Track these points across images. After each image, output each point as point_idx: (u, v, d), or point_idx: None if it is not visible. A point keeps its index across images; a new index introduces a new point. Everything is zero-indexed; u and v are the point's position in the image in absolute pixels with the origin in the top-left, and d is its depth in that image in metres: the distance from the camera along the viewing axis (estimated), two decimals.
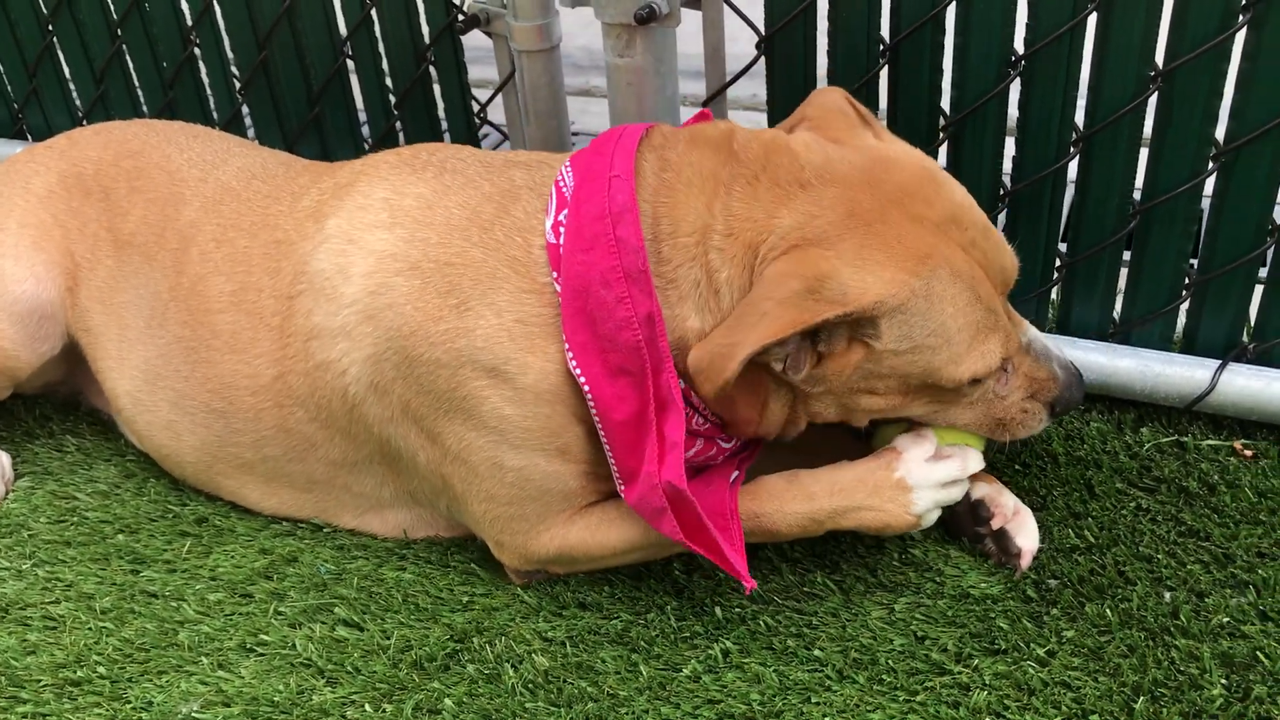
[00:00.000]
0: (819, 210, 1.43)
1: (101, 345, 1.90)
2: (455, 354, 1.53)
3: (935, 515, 1.58)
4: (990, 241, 1.49)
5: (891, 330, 1.42)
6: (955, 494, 1.59)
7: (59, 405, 2.17)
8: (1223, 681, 1.44)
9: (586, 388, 1.48)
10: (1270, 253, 1.73)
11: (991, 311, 1.47)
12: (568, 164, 1.56)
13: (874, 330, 1.42)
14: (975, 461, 1.60)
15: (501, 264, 1.53)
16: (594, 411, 1.49)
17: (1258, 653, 1.47)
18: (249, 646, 1.64)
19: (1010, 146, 1.80)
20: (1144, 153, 1.73)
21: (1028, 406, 1.57)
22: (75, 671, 1.61)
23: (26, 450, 2.07)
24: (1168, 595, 1.57)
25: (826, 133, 1.51)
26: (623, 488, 1.53)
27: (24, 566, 1.81)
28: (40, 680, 1.60)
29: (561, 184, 1.54)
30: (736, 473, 1.61)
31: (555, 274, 1.50)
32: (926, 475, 1.57)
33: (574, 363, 1.48)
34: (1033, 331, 1.58)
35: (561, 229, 1.50)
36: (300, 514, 1.84)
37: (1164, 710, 1.42)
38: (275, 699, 1.55)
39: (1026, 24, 1.69)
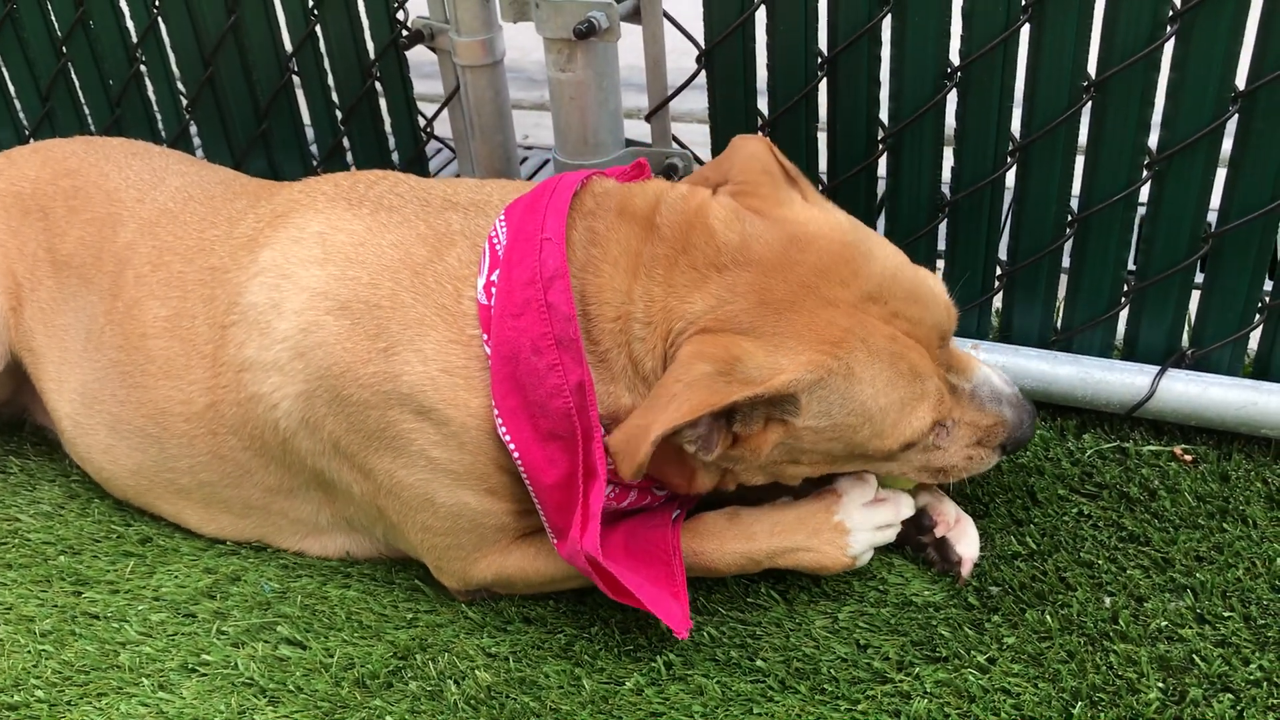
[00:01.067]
0: (732, 296, 1.41)
1: (43, 367, 1.88)
2: (383, 396, 1.52)
3: (869, 557, 1.61)
4: (919, 305, 1.45)
5: (810, 406, 1.41)
6: (889, 536, 1.61)
7: (2, 426, 2.14)
8: (1159, 685, 1.46)
9: (516, 454, 1.47)
10: (1206, 258, 1.75)
11: (918, 379, 1.44)
12: (502, 217, 1.53)
13: (793, 406, 1.41)
14: (908, 507, 1.63)
15: (430, 311, 1.52)
16: (524, 475, 1.48)
17: (1194, 656, 1.49)
18: (191, 667, 1.63)
19: (949, 157, 1.82)
20: (1080, 162, 1.74)
21: (972, 453, 1.55)
22: (13, 695, 1.59)
23: None
24: (1108, 600, 1.58)
25: (749, 200, 1.47)
26: (556, 542, 1.53)
27: None
28: None
29: (495, 240, 1.52)
30: (678, 511, 1.61)
31: (485, 335, 1.49)
32: (864, 519, 1.59)
33: (503, 428, 1.46)
34: (981, 374, 1.55)
35: (493, 290, 1.48)
36: (240, 537, 1.83)
37: (1101, 715, 1.43)
38: (216, 719, 1.54)
39: (961, 35, 1.71)
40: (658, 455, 1.38)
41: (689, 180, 1.58)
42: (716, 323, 1.40)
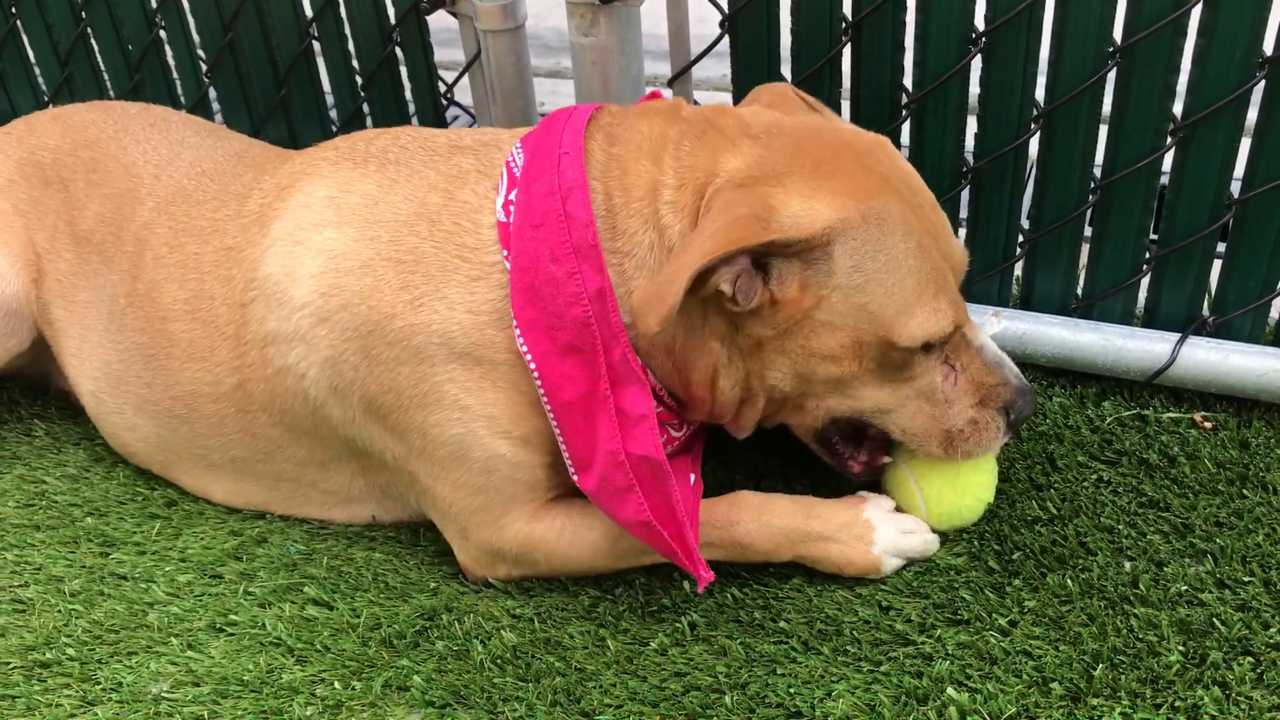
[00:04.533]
0: (767, 153, 1.44)
1: (63, 342, 1.89)
2: (414, 350, 1.53)
3: (894, 564, 1.60)
4: (940, 217, 1.50)
5: (844, 259, 1.41)
6: (914, 545, 1.61)
7: (27, 389, 2.16)
8: (1180, 648, 1.47)
9: (533, 365, 1.48)
10: (1228, 226, 1.75)
11: (942, 272, 1.47)
12: (518, 144, 1.56)
13: (827, 264, 1.41)
14: (934, 541, 1.63)
15: (451, 255, 1.53)
16: (541, 391, 1.49)
17: (1214, 619, 1.50)
18: (218, 626, 1.65)
19: (972, 123, 1.82)
20: (1104, 129, 1.74)
21: (977, 416, 1.55)
22: (44, 653, 1.61)
23: None
24: (1128, 565, 1.60)
25: (777, 110, 1.53)
26: (577, 477, 1.53)
27: None
28: (9, 662, 1.60)
29: (512, 164, 1.53)
30: (695, 475, 1.61)
31: (505, 252, 1.50)
32: (889, 520, 1.61)
33: (521, 341, 1.48)
34: (985, 338, 1.57)
35: (512, 208, 1.50)
36: (267, 508, 1.84)
37: (1122, 677, 1.44)
38: (245, 678, 1.56)
39: (986, 1, 1.70)
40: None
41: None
42: (751, 179, 1.41)
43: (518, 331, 1.48)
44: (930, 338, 1.47)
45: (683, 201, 1.45)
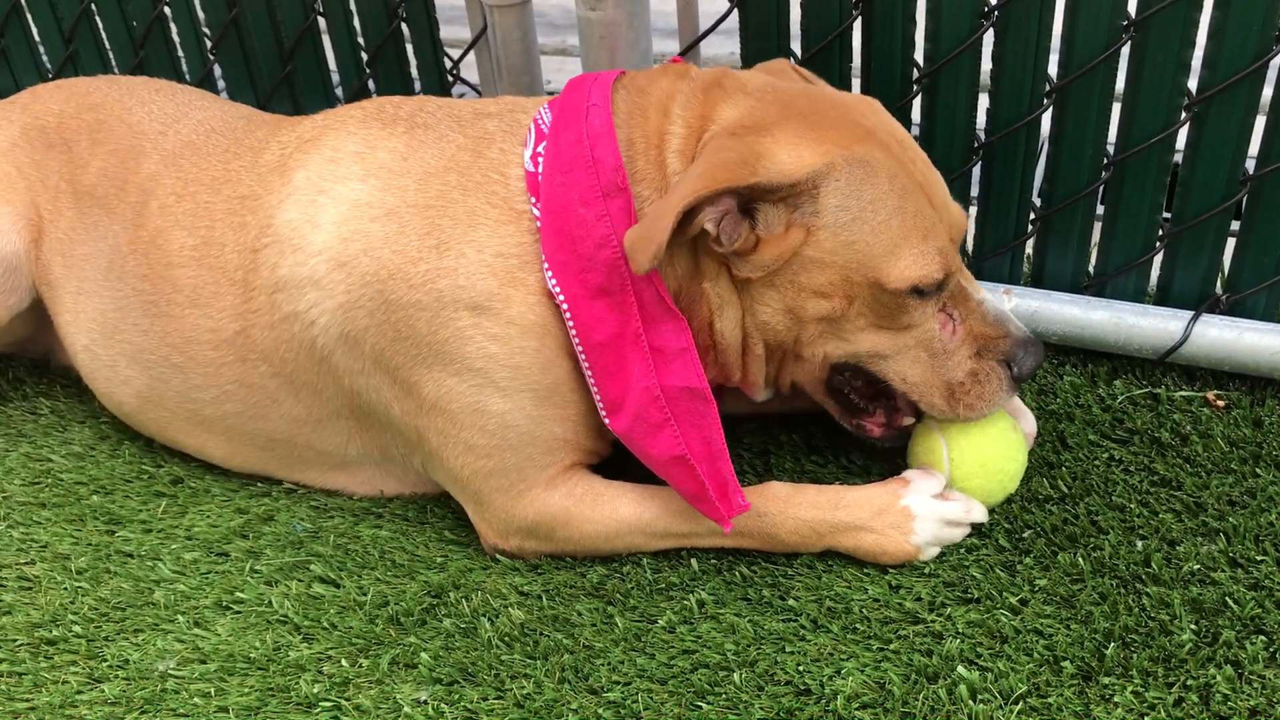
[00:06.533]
0: (760, 105, 1.49)
1: (61, 299, 1.89)
2: (437, 295, 1.53)
3: (934, 552, 1.59)
4: (934, 174, 1.52)
5: (830, 198, 1.44)
6: (956, 535, 1.59)
7: (32, 367, 2.15)
8: (1192, 627, 1.46)
9: (565, 307, 1.50)
10: (1242, 203, 1.73)
11: (929, 217, 1.48)
12: (545, 105, 1.59)
13: (814, 205, 1.44)
14: (979, 512, 1.60)
15: (480, 201, 1.54)
16: (573, 332, 1.51)
17: (1227, 598, 1.49)
18: (225, 604, 1.64)
19: (984, 100, 1.80)
20: (1117, 105, 1.72)
21: (977, 368, 1.54)
22: (51, 630, 1.61)
23: (0, 413, 2.06)
24: (1140, 544, 1.58)
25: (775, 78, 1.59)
26: (609, 419, 1.54)
27: None
28: (16, 640, 1.60)
29: (540, 121, 1.57)
30: None
31: (534, 200, 1.52)
32: (932, 508, 1.57)
33: (553, 282, 1.50)
34: (985, 294, 1.57)
35: (540, 159, 1.53)
36: (265, 471, 1.84)
37: (1134, 656, 1.43)
38: (251, 655, 1.55)
39: None
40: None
41: None
42: (743, 128, 1.46)
43: (549, 273, 1.50)
44: (919, 281, 1.47)
45: (684, 149, 1.50)
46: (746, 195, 1.43)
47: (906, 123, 1.86)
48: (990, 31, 1.72)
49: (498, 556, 1.67)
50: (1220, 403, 1.79)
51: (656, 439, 1.50)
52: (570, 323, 1.50)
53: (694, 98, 1.52)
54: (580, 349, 1.51)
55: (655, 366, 1.49)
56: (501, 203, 1.54)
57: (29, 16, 2.56)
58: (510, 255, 1.53)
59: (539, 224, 1.51)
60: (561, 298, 1.50)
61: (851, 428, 1.66)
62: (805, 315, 1.51)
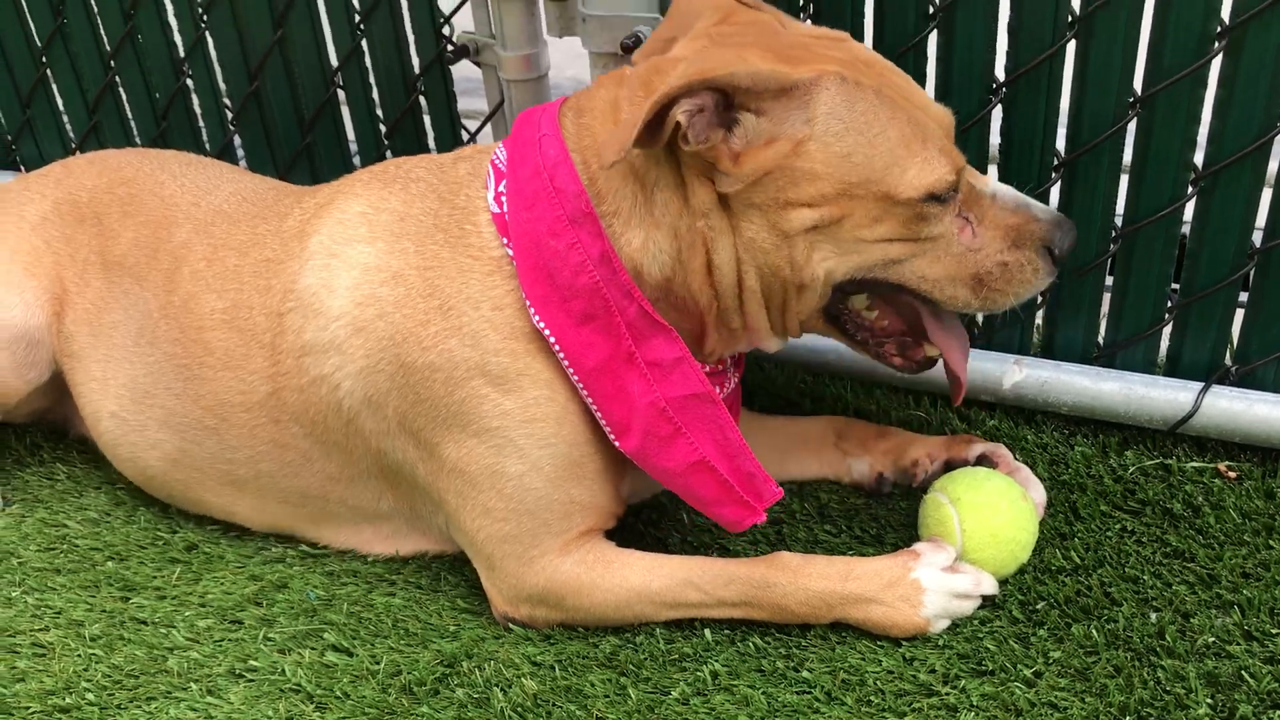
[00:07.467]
0: (720, 39, 1.47)
1: (86, 368, 1.91)
2: (449, 356, 1.55)
3: (944, 624, 1.58)
4: (914, 85, 1.50)
5: (821, 107, 1.42)
6: (966, 608, 1.59)
7: (49, 433, 2.17)
8: (1208, 701, 1.45)
9: (552, 339, 1.51)
10: (1250, 275, 1.75)
11: (926, 125, 1.45)
12: (500, 145, 1.61)
13: (804, 114, 1.42)
14: (989, 584, 1.60)
15: (463, 256, 1.57)
16: (565, 362, 1.52)
17: (1243, 672, 1.48)
18: (238, 672, 1.64)
19: (993, 172, 1.82)
20: (1124, 179, 1.75)
21: (1010, 259, 1.50)
22: (64, 698, 1.61)
23: (17, 478, 2.08)
24: (1153, 616, 1.58)
25: (727, 23, 1.53)
26: (619, 442, 1.55)
27: (13, 594, 1.81)
28: (29, 707, 1.60)
29: (497, 161, 1.59)
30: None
31: (505, 240, 1.54)
32: (941, 581, 1.57)
33: (536, 317, 1.51)
34: (997, 184, 1.54)
35: (503, 198, 1.55)
36: (292, 528, 1.85)
37: None
38: None
39: (1006, 51, 1.72)
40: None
41: (644, 44, 1.65)
42: (709, 59, 1.40)
43: (532, 310, 1.51)
44: (933, 188, 1.44)
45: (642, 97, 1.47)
46: (729, 94, 1.39)
47: None
48: (998, 107, 1.75)
49: (510, 626, 1.67)
50: (1232, 474, 1.79)
51: (671, 451, 1.52)
52: (560, 354, 1.52)
53: (637, 93, 1.48)
54: (575, 378, 1.53)
55: (654, 380, 1.50)
56: (479, 253, 1.56)
57: (55, 87, 2.61)
58: (503, 305, 1.54)
59: (515, 263, 1.53)
60: (547, 331, 1.51)
61: (873, 355, 1.64)
62: (790, 229, 1.46)
